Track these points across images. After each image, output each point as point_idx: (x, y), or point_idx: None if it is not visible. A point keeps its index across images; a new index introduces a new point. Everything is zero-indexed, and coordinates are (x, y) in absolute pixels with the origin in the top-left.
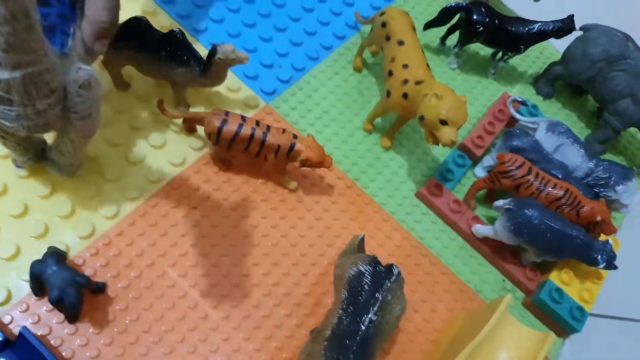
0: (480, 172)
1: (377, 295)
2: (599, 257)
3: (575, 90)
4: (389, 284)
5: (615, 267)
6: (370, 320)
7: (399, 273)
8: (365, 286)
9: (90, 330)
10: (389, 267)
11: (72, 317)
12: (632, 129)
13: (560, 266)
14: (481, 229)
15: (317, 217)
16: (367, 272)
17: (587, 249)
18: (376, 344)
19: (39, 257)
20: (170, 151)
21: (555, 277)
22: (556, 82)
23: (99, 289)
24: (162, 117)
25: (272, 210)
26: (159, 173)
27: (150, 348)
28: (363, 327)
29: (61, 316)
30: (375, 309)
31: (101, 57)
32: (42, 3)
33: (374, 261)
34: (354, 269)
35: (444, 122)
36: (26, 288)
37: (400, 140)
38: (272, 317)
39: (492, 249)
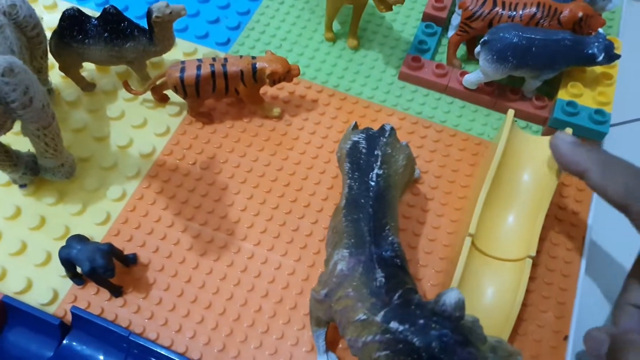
0: (453, 33)
1: (376, 152)
2: (595, 50)
3: None
4: (384, 140)
5: (617, 56)
6: (377, 175)
7: (392, 128)
8: (363, 150)
9: (137, 297)
10: (381, 127)
11: (115, 289)
12: None
13: (565, 82)
14: (470, 77)
15: (311, 131)
16: (361, 139)
17: (579, 46)
18: (391, 194)
19: None
20: (153, 125)
21: (565, 94)
22: None
23: (131, 260)
24: (136, 101)
25: (266, 141)
26: (150, 146)
27: (197, 293)
28: (372, 183)
29: (107, 294)
30: (379, 163)
31: (58, 65)
32: None
33: (366, 129)
34: (349, 142)
35: None
36: (69, 283)
37: (367, 37)
38: (301, 229)
39: (492, 95)
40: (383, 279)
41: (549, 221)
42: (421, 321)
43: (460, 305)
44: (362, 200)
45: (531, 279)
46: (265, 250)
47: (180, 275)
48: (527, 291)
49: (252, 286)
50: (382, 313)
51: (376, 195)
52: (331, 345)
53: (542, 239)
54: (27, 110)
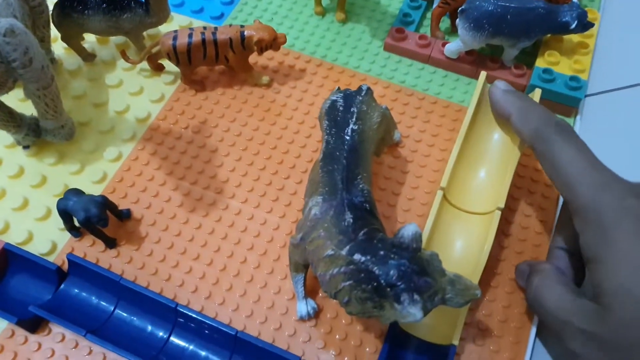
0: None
1: (352, 109)
2: (568, 18)
3: None
4: (360, 98)
5: (590, 25)
6: (352, 130)
7: (368, 88)
8: (340, 107)
9: (130, 249)
10: (359, 87)
11: (109, 241)
12: None
13: (543, 51)
14: (451, 47)
15: (299, 99)
16: (339, 98)
17: (553, 15)
18: (364, 148)
19: None
20: (149, 92)
21: (542, 62)
22: None
23: (125, 215)
24: (133, 70)
25: (255, 108)
26: (145, 112)
27: (186, 246)
28: (347, 137)
29: (102, 246)
30: (354, 119)
31: (60, 36)
32: None
33: (344, 90)
34: (327, 102)
35: None
36: (67, 235)
37: (354, 11)
38: (286, 188)
39: (473, 64)
40: (351, 220)
41: (524, 182)
42: (382, 252)
43: (417, 237)
44: (338, 153)
45: (506, 236)
46: (252, 207)
47: (170, 229)
48: (502, 247)
49: (238, 240)
50: (347, 247)
51: (350, 148)
52: (311, 294)
53: (517, 199)
54: (27, 69)
